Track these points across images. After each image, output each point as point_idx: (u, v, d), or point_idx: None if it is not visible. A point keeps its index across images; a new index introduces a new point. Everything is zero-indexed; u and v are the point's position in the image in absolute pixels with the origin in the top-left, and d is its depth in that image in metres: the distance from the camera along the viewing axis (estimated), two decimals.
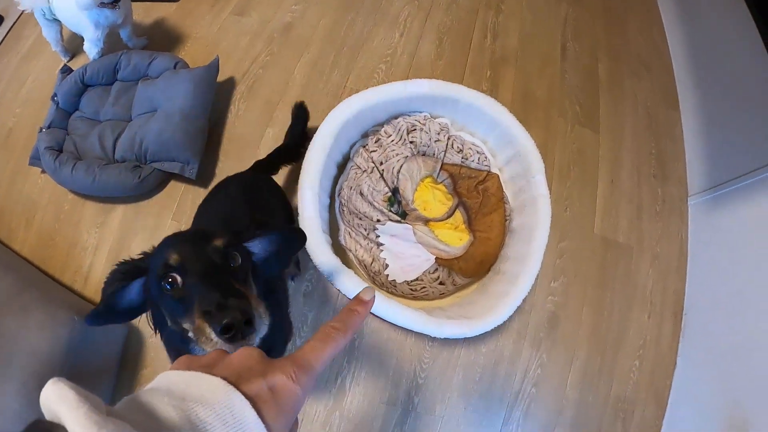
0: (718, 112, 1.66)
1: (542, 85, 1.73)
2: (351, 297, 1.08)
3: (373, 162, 1.28)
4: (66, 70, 1.71)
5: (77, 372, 1.09)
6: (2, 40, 1.92)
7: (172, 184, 1.53)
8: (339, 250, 1.29)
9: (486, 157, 1.34)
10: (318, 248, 1.06)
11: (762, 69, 1.37)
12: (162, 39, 1.85)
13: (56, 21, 1.56)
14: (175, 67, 1.64)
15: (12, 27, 1.97)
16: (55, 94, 1.65)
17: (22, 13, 2.04)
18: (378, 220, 1.24)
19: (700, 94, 1.77)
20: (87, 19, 1.43)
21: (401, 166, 1.28)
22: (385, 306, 1.04)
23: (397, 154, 1.29)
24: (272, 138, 1.54)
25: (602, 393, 1.41)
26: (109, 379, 1.26)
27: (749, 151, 1.41)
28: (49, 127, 1.62)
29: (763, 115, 1.38)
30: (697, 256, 1.57)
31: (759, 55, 1.36)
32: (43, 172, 1.58)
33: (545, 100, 1.70)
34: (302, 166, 1.16)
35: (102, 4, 1.38)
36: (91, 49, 1.59)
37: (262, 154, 1.52)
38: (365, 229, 1.25)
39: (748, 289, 1.31)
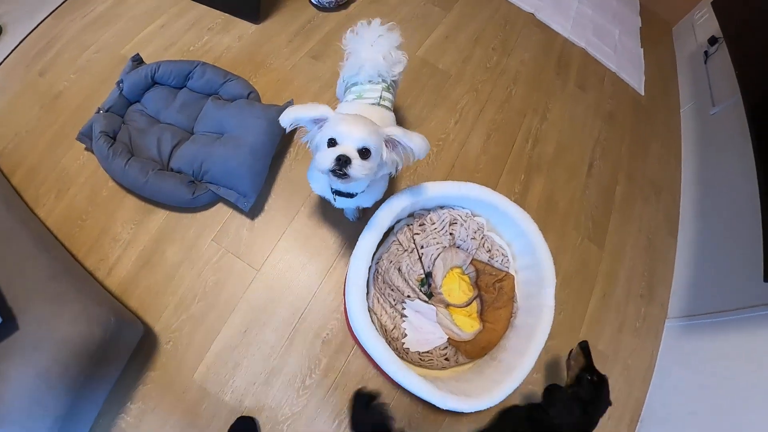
0: (710, 248, 1.83)
1: (565, 197, 1.92)
2: (375, 359, 1.25)
3: (414, 243, 1.47)
4: (137, 59, 1.70)
5: (95, 365, 1.08)
6: None
7: (219, 206, 1.56)
8: None
9: (508, 259, 1.55)
10: (359, 315, 1.25)
11: (753, 220, 1.51)
12: (236, 57, 1.87)
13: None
14: (248, 97, 1.68)
15: None
16: (121, 80, 1.63)
17: None
18: (408, 296, 1.44)
19: (699, 227, 1.95)
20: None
21: (439, 254, 1.48)
22: (403, 375, 1.23)
23: (437, 243, 1.49)
24: None
25: None
26: (114, 373, 1.25)
27: (729, 291, 1.58)
28: (107, 110, 1.58)
29: (747, 260, 1.53)
30: (663, 372, 1.74)
31: (754, 209, 1.51)
32: (87, 149, 1.54)
33: (565, 210, 1.90)
34: (360, 237, 1.34)
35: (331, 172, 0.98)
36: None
37: (310, 203, 1.60)
38: (394, 300, 1.44)
39: (701, 410, 1.49)
